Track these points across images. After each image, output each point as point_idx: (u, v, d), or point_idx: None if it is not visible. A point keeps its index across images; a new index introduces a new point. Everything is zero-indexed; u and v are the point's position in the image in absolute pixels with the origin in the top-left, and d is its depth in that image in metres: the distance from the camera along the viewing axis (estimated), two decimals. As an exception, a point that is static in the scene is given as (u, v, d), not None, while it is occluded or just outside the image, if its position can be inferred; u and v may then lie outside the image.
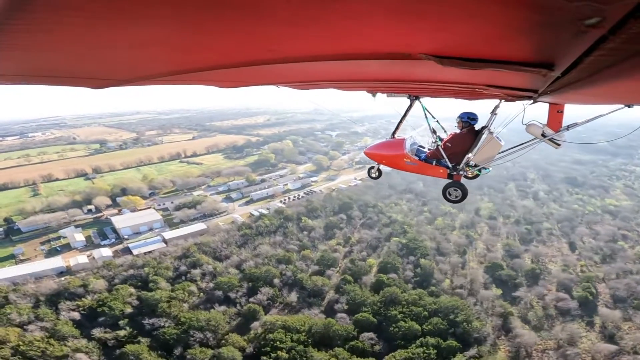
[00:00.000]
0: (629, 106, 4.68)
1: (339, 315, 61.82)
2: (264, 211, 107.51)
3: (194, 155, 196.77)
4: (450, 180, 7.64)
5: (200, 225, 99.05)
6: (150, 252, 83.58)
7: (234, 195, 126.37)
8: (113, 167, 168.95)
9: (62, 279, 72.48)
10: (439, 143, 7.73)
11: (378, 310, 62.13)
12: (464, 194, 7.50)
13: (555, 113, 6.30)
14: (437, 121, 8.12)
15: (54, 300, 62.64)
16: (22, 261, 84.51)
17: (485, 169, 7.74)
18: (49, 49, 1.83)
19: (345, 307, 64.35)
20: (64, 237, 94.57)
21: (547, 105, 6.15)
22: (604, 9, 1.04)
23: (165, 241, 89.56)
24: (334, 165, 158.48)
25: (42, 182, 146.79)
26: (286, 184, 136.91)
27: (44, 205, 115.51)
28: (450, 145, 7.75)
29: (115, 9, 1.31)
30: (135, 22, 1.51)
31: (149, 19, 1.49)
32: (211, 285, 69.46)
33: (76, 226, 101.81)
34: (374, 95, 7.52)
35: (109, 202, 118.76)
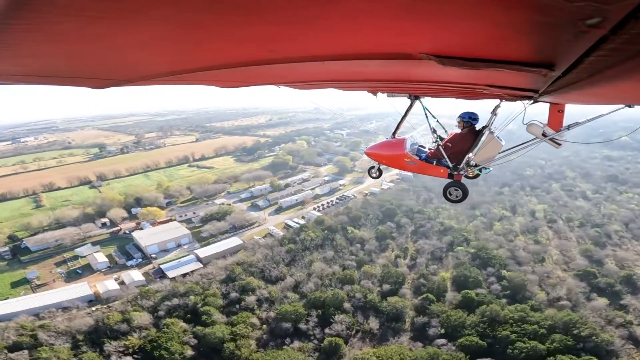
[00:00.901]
0: (629, 106, 4.63)
1: (437, 342, 53.00)
2: (301, 221, 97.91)
3: (203, 158, 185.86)
4: (450, 180, 7.50)
5: (235, 240, 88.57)
6: (187, 274, 73.16)
7: (260, 202, 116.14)
8: (118, 173, 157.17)
9: (94, 309, 61.82)
10: (440, 143, 7.60)
11: (483, 331, 53.53)
12: (465, 193, 7.33)
13: (556, 113, 6.15)
14: (438, 121, 7.98)
15: (93, 339, 51.95)
16: (38, 287, 73.17)
17: (486, 168, 7.51)
18: (49, 49, 1.81)
19: (441, 331, 55.46)
20: (82, 257, 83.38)
21: (548, 104, 5.99)
22: (605, 9, 1.04)
23: (200, 260, 79.21)
24: (358, 166, 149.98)
25: (43, 192, 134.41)
26: (313, 188, 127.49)
27: (52, 220, 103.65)
28: (450, 145, 7.62)
29: (115, 8, 1.31)
30: (135, 22, 1.51)
31: (149, 18, 1.48)
32: (272, 314, 59.68)
33: (93, 243, 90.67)
34: (375, 94, 7.44)
35: (125, 214, 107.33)
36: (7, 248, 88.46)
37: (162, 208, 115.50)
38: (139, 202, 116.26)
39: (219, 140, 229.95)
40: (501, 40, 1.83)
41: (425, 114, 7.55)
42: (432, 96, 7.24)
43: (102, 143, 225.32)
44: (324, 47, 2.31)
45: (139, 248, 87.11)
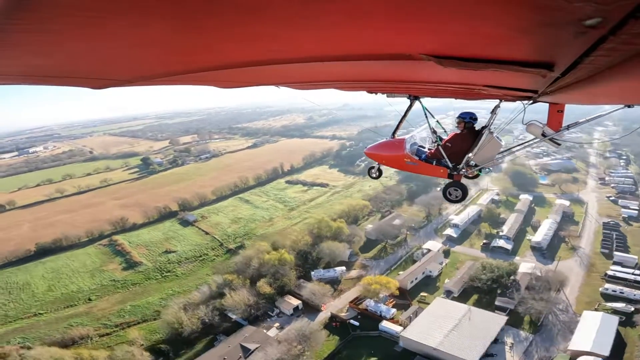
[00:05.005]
0: (629, 106, 4.56)
1: None
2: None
3: (294, 170, 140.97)
4: (450, 180, 7.43)
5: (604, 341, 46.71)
6: None
7: (501, 242, 74.55)
8: (203, 197, 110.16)
9: None
10: (439, 143, 7.51)
11: None
12: (464, 193, 7.28)
13: (556, 113, 6.02)
14: (437, 121, 7.84)
15: None
16: None
17: (486, 168, 7.40)
18: (49, 49, 1.83)
19: None
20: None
21: (547, 104, 5.96)
22: (604, 9, 1.03)
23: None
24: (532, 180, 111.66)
25: (115, 233, 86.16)
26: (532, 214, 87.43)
27: (197, 308, 56.94)
28: (450, 145, 7.52)
29: (116, 8, 1.32)
30: (135, 21, 1.52)
31: (149, 18, 1.50)
32: None
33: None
34: (374, 94, 7.27)
35: (325, 288, 62.11)
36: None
37: (345, 264, 71.04)
38: (305, 257, 71.14)
39: (282, 145, 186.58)
40: (500, 40, 1.82)
41: (425, 114, 7.38)
42: (431, 96, 7.10)
43: (132, 152, 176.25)
44: (324, 48, 2.30)
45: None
